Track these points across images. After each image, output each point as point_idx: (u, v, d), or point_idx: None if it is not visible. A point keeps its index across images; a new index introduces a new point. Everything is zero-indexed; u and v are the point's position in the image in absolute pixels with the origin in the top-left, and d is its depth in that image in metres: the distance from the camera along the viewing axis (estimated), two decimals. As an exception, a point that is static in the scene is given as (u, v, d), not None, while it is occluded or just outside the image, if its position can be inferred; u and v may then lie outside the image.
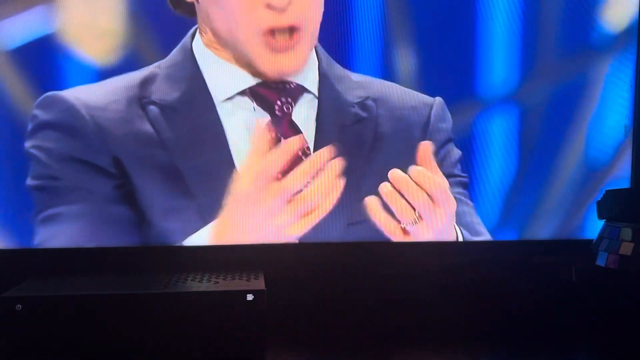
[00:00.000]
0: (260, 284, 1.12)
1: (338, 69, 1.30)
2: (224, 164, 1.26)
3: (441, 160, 1.31)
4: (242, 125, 1.26)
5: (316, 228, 1.26)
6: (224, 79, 1.27)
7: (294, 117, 1.27)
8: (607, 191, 1.22)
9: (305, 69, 1.28)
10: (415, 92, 1.32)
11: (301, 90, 1.28)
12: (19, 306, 1.04)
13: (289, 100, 1.27)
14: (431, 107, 1.32)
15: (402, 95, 1.32)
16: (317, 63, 1.29)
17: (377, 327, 1.22)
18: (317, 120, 1.29)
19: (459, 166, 1.34)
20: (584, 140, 1.34)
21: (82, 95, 1.25)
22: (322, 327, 1.21)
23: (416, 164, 1.27)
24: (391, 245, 1.27)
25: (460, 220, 1.31)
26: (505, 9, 1.33)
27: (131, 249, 1.25)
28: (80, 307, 1.06)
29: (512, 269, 1.33)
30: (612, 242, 1.16)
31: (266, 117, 1.26)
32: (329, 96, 1.29)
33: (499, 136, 1.34)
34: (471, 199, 1.34)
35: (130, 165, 1.24)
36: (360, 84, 1.31)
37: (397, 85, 1.32)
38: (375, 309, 1.28)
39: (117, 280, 1.15)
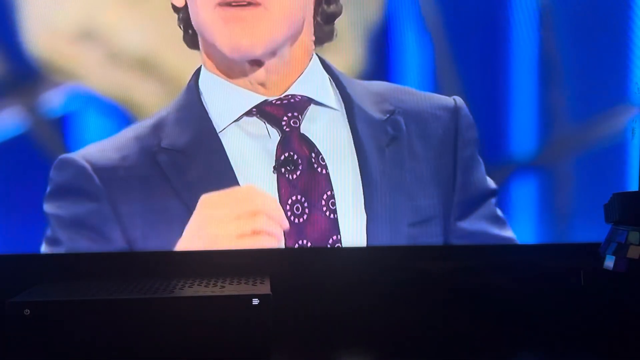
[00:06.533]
0: (266, 288, 1.13)
1: (355, 83, 1.24)
2: None
3: (471, 181, 1.27)
4: (249, 152, 1.24)
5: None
6: (228, 103, 1.23)
7: (304, 131, 1.24)
8: (614, 194, 1.21)
9: (308, 80, 1.24)
10: (430, 95, 1.25)
11: (307, 101, 1.24)
12: (27, 311, 1.05)
13: (295, 114, 1.23)
14: (455, 112, 1.25)
15: (420, 101, 1.25)
16: (325, 77, 1.25)
17: (382, 332, 1.22)
18: (354, 144, 1.23)
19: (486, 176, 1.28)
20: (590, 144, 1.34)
21: (93, 156, 1.22)
22: (327, 332, 1.21)
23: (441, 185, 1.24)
24: (397, 249, 1.27)
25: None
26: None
27: (138, 254, 1.26)
28: (88, 312, 1.07)
29: (520, 273, 1.33)
30: (619, 245, 1.15)
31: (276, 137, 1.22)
32: (358, 117, 1.24)
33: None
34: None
35: (138, 232, 1.23)
36: (380, 95, 1.25)
37: (412, 90, 1.26)
38: (380, 314, 1.27)
39: (124, 285, 1.16)
